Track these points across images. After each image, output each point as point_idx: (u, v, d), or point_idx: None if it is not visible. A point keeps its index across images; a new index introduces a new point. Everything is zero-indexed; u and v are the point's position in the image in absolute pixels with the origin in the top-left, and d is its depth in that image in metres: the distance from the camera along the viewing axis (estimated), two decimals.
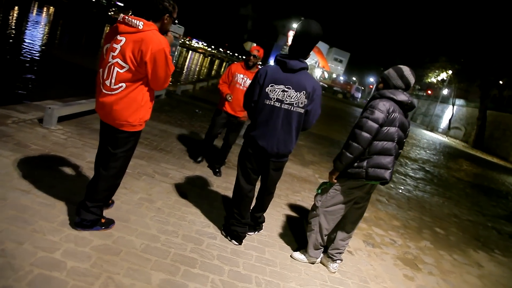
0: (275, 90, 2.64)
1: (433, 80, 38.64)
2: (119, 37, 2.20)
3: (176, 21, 2.41)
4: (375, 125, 2.57)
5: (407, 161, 11.41)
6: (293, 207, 4.31)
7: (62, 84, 9.78)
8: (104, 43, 2.34)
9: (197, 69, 39.64)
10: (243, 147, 2.90)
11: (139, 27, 2.16)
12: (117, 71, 2.22)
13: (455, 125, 37.63)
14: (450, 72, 35.39)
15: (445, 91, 39.65)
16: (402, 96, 2.67)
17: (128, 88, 2.26)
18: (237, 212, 2.97)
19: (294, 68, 2.62)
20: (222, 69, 57.57)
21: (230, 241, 3.01)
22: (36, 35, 19.31)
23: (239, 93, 4.23)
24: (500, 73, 29.50)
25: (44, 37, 19.85)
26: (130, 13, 2.32)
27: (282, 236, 3.44)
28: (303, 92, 2.64)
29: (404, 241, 4.38)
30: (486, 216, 7.19)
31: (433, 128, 39.84)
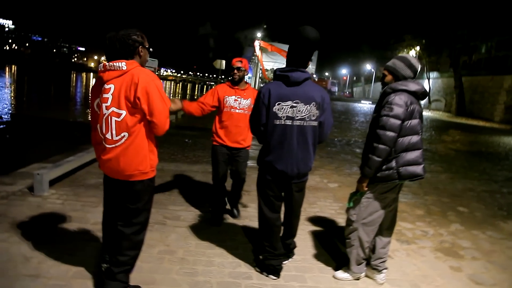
0: (283, 108, 2.44)
1: None
2: (106, 86, 2.09)
3: (151, 49, 2.28)
4: (398, 122, 2.41)
5: None
6: (314, 220, 4.09)
7: (42, 143, 9.38)
8: (92, 99, 2.20)
9: (172, 96, 39.38)
10: (260, 174, 2.68)
11: (123, 68, 2.06)
12: (115, 120, 2.07)
13: (434, 98, 38.28)
14: (418, 48, 36.11)
15: None
16: (415, 86, 2.52)
17: (131, 136, 2.10)
18: (268, 244, 2.73)
19: (298, 80, 2.44)
20: (196, 92, 57.35)
21: (267, 276, 2.76)
22: (2, 98, 18.79)
23: (239, 119, 3.47)
24: (466, 39, 30.22)
25: (12, 98, 19.36)
26: (106, 61, 2.18)
27: (316, 256, 3.21)
28: (313, 104, 2.46)
29: (434, 229, 4.20)
30: (498, 182, 7.12)
31: None
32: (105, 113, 2.09)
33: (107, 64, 2.08)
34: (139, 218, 2.28)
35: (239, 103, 3.52)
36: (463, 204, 5.30)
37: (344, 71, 70.11)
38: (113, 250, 2.28)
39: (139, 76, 2.04)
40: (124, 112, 2.06)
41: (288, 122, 2.46)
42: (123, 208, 2.25)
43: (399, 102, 2.42)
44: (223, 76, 27.38)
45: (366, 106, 37.51)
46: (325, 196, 5.04)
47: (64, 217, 3.49)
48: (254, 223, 3.74)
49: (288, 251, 3.01)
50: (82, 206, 3.80)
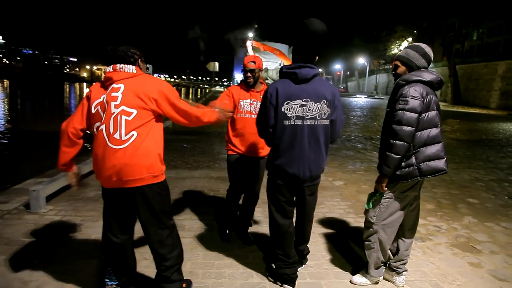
0: (292, 107, 2.29)
1: (396, 51, 39.28)
2: (115, 85, 2.09)
3: (148, 65, 2.30)
4: (414, 115, 2.26)
5: None
6: (324, 222, 3.95)
7: (36, 157, 9.17)
8: (92, 99, 2.12)
9: None
10: (270, 179, 2.53)
11: (133, 71, 2.13)
12: (125, 119, 2.04)
13: None
14: (410, 39, 36.06)
15: None
16: (430, 76, 2.37)
17: (140, 136, 2.05)
18: (281, 252, 2.58)
19: (307, 77, 2.29)
20: (191, 96, 57.07)
21: (282, 286, 2.60)
22: None
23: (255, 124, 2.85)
24: (457, 26, 30.21)
25: (6, 112, 19.12)
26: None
27: (331, 261, 3.06)
28: (324, 101, 2.31)
29: (447, 224, 4.07)
30: (503, 170, 7.02)
31: None
32: (114, 112, 2.04)
33: (117, 66, 2.11)
34: (165, 223, 2.26)
35: (255, 107, 3.09)
36: (472, 195, 5.18)
37: (337, 66, 69.85)
38: (126, 268, 2.31)
39: (149, 79, 2.16)
40: (135, 111, 2.05)
41: (298, 122, 2.31)
42: (147, 225, 2.24)
43: (414, 94, 2.27)
44: (216, 79, 27.25)
45: (361, 100, 37.41)
46: (331, 195, 4.90)
47: (64, 234, 3.33)
48: (263, 229, 3.60)
49: (302, 258, 2.86)
50: (82, 221, 3.63)
